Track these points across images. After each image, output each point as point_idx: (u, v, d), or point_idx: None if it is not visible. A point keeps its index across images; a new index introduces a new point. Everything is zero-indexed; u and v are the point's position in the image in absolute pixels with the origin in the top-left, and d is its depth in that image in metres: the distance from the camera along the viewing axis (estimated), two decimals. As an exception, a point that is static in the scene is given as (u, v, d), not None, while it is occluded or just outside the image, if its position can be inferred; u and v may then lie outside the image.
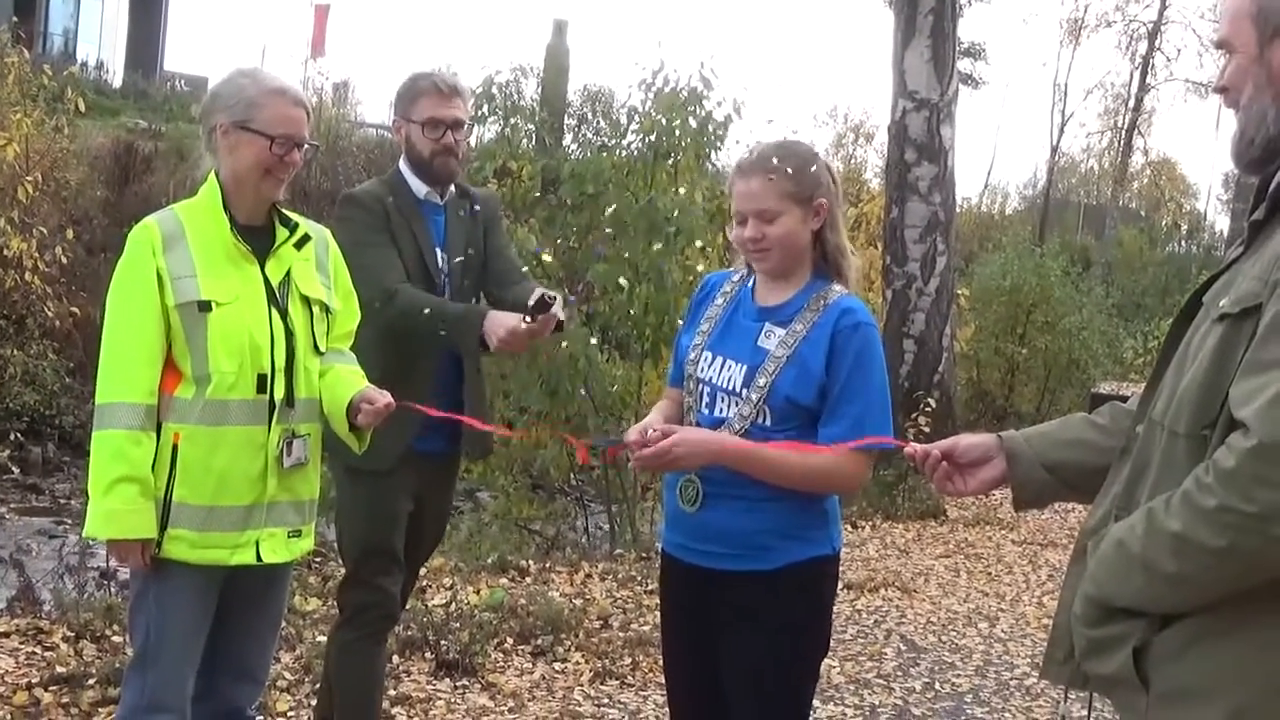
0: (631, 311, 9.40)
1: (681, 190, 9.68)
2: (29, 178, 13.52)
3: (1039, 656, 6.66)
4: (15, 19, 19.88)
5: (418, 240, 4.08)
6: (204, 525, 3.23)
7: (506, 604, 6.64)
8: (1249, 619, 1.88)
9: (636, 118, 9.93)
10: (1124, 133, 41.12)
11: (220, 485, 3.24)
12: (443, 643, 5.91)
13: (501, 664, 6.01)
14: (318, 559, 7.33)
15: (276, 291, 3.36)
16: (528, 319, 3.74)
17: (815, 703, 5.76)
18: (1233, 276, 2.02)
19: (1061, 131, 41.15)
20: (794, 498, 3.07)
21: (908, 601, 8.09)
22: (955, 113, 12.82)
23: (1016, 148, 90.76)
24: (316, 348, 3.43)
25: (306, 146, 3.40)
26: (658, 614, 6.93)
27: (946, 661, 6.86)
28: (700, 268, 9.61)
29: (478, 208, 4.30)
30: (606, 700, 5.74)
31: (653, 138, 9.66)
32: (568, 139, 13.49)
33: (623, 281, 8.86)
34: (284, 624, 3.66)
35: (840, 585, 8.05)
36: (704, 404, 3.19)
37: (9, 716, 4.69)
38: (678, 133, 9.58)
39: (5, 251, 13.15)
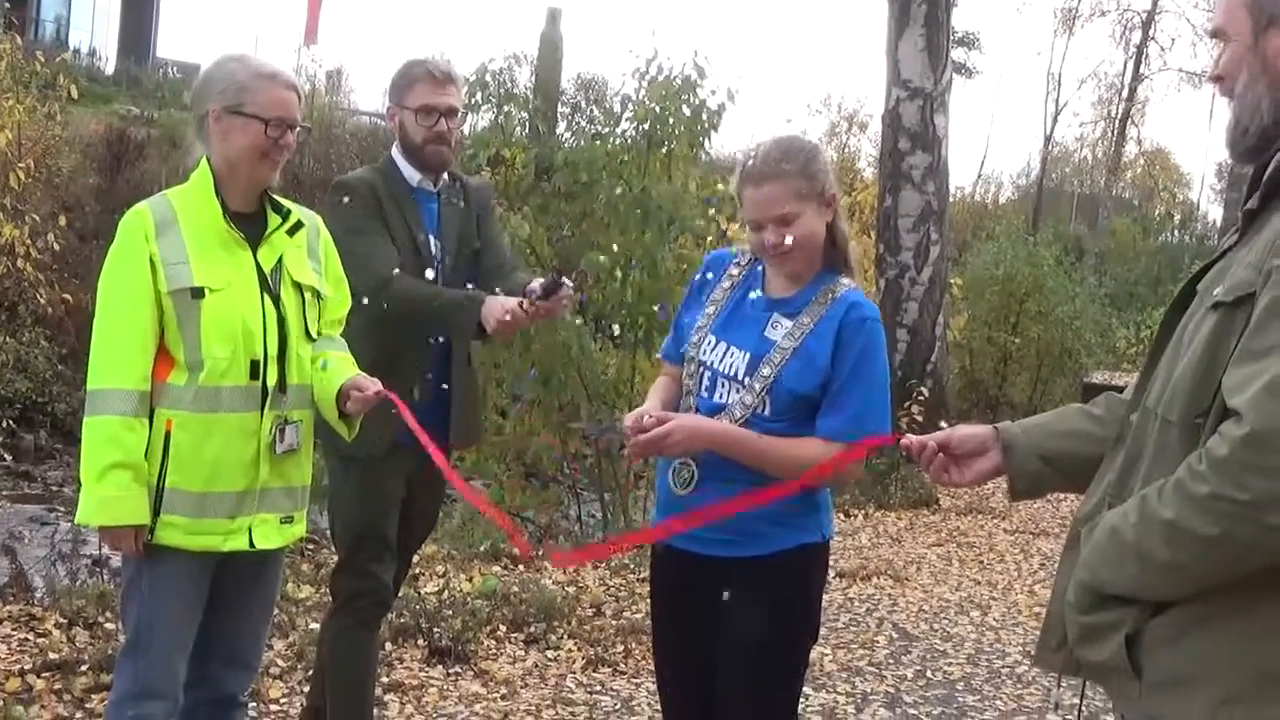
0: (625, 299, 9.40)
1: (675, 178, 9.67)
2: (21, 164, 13.49)
3: (1030, 644, 6.69)
4: (8, 5, 19.84)
5: (410, 227, 4.08)
6: (197, 511, 3.23)
7: (499, 592, 6.65)
8: (1241, 606, 1.88)
9: (630, 106, 9.92)
10: (1117, 122, 41.12)
11: (213, 472, 3.24)
12: (435, 630, 5.91)
13: (494, 651, 6.01)
14: (310, 546, 7.33)
15: (269, 278, 3.35)
16: (525, 302, 3.75)
17: (807, 690, 5.79)
18: (1227, 265, 2.02)
19: (1055, 121, 41.21)
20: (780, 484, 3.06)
21: (900, 590, 8.11)
22: (949, 102, 12.83)
23: (1010, 137, 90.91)
24: (309, 334, 3.42)
25: (299, 129, 3.39)
26: (650, 602, 6.96)
27: (938, 649, 6.87)
28: (702, 254, 9.61)
29: (471, 196, 4.30)
30: (599, 688, 5.75)
31: (646, 126, 9.65)
32: (561, 127, 13.45)
33: (604, 259, 8.84)
34: (277, 611, 3.66)
35: (832, 573, 8.10)
36: (704, 388, 3.18)
37: (2, 702, 4.69)
38: (671, 121, 9.57)
39: (-2, 239, 13.13)
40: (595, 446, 9.87)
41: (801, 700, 5.67)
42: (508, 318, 3.79)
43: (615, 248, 9.07)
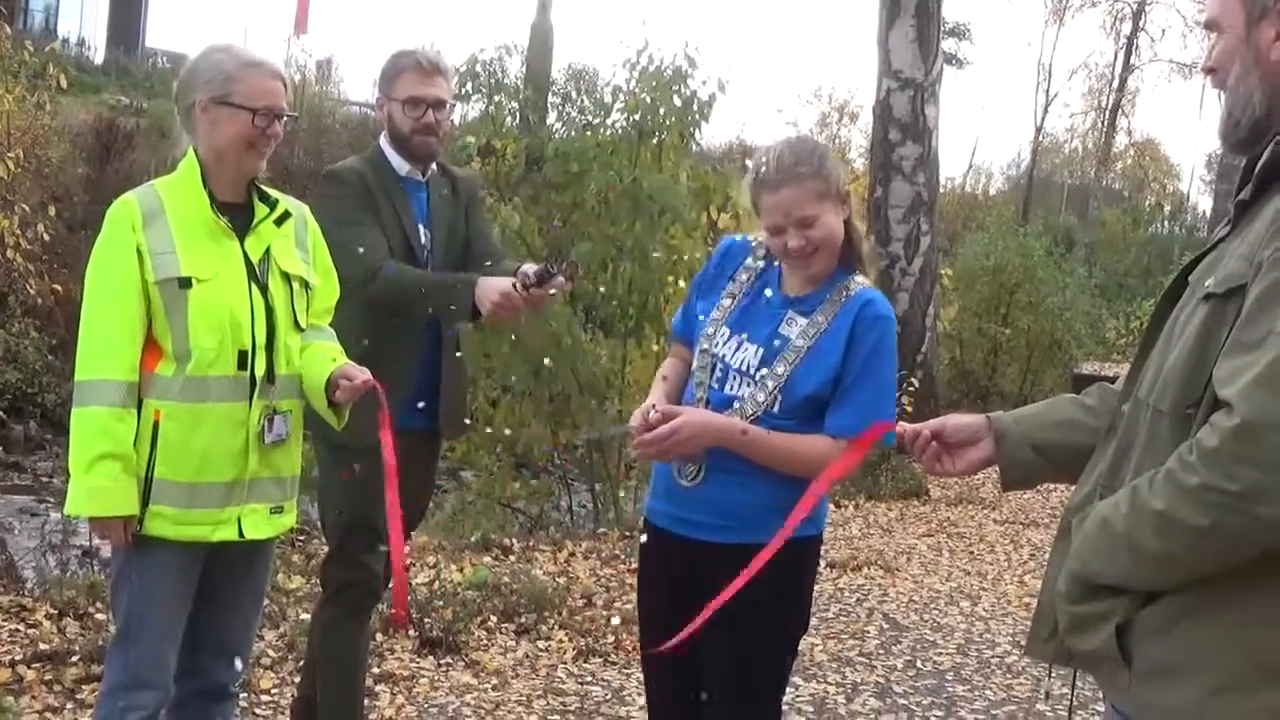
0: (616, 290, 9.40)
1: (666, 169, 9.68)
2: (10, 154, 13.41)
3: (1020, 635, 6.71)
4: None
5: (400, 217, 4.07)
6: (186, 502, 3.22)
7: (490, 582, 6.65)
8: (1232, 596, 1.89)
9: (621, 96, 9.92)
10: (1108, 113, 41.24)
11: (202, 462, 3.23)
12: (426, 621, 5.92)
13: (485, 642, 6.02)
14: (301, 537, 7.33)
15: (256, 268, 3.34)
16: (519, 285, 3.76)
17: (798, 680, 5.80)
18: (1219, 256, 2.02)
19: (1045, 112, 41.30)
20: (786, 476, 3.07)
21: (890, 580, 8.13)
22: (939, 92, 12.83)
23: (1000, 128, 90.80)
24: (297, 324, 3.42)
25: (286, 118, 3.39)
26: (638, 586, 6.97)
27: (928, 640, 6.89)
28: (694, 249, 9.62)
29: (459, 187, 4.29)
30: (590, 678, 5.75)
31: (637, 116, 9.64)
32: (552, 117, 13.44)
33: (594, 249, 8.85)
34: (267, 602, 3.66)
35: (823, 564, 8.11)
36: (715, 379, 3.17)
37: (-8, 693, 4.68)
38: (662, 111, 9.57)
39: (-14, 229, 13.08)
40: (587, 438, 9.87)
41: (792, 690, 5.69)
42: (502, 299, 3.79)
43: (610, 233, 9.08)
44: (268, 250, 3.38)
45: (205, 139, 3.33)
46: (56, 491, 10.93)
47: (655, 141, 9.79)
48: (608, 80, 10.60)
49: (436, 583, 6.45)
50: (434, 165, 4.20)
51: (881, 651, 6.58)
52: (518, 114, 11.10)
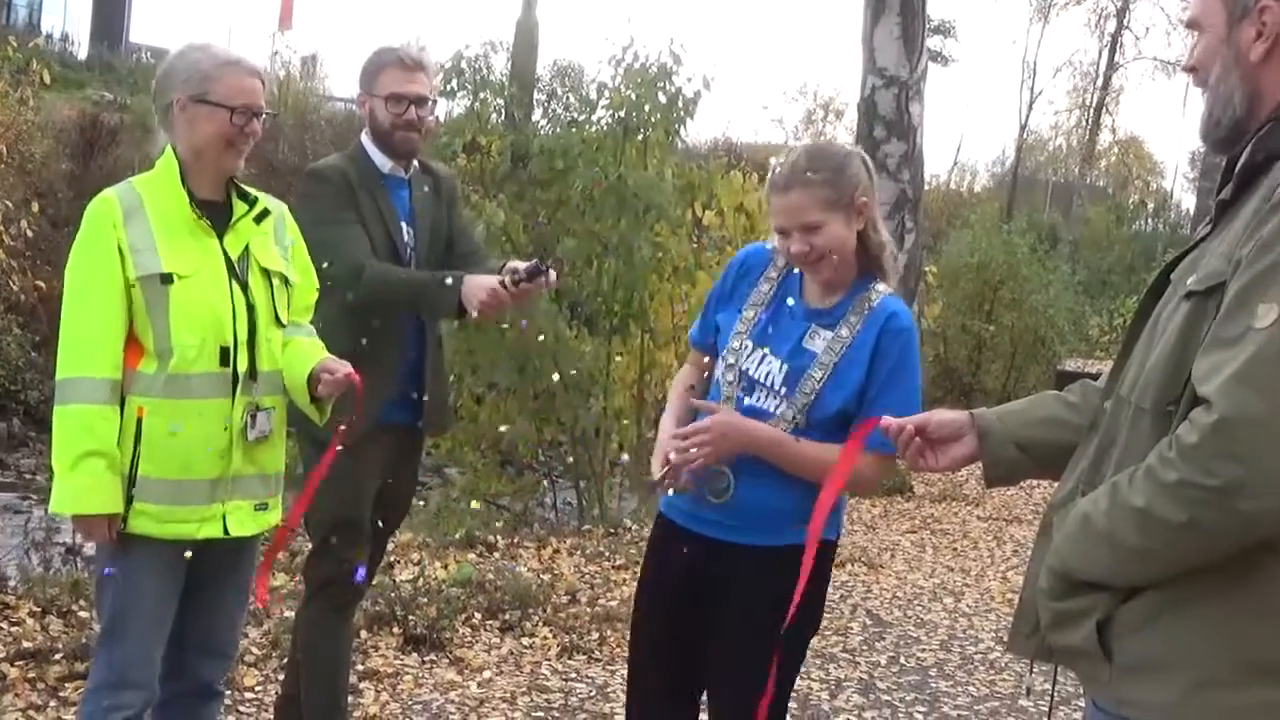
0: (601, 286, 9.41)
1: (651, 166, 9.68)
2: (-7, 150, 13.40)
3: (1003, 631, 6.73)
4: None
5: (383, 215, 4.06)
6: (170, 499, 3.22)
7: (474, 579, 6.65)
8: (1212, 592, 1.90)
9: (606, 93, 9.91)
10: (1092, 111, 41.35)
11: (185, 459, 3.22)
12: (410, 617, 5.91)
13: (469, 639, 6.02)
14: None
15: (236, 265, 3.34)
16: (506, 280, 3.77)
17: (782, 677, 5.81)
18: (1200, 254, 2.03)
19: (1030, 109, 41.42)
20: (809, 483, 3.05)
21: (874, 576, 8.14)
22: (924, 90, 12.83)
23: (985, 125, 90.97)
24: (278, 320, 3.42)
25: (264, 116, 3.38)
26: (625, 589, 6.98)
27: (912, 636, 6.91)
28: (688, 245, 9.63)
29: (440, 184, 4.29)
30: (574, 674, 5.76)
31: (622, 113, 9.64)
32: (537, 114, 13.44)
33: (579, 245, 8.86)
34: (251, 599, 3.65)
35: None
36: (739, 392, 3.17)
37: (-26, 691, 4.68)
38: (647, 108, 9.57)
39: (-31, 225, 13.04)
40: (572, 435, 9.89)
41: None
42: (489, 298, 3.79)
43: (594, 229, 9.09)
44: (247, 247, 3.38)
45: (184, 138, 3.33)
46: (39, 489, 10.90)
47: (640, 138, 9.78)
48: (593, 77, 10.61)
49: (421, 579, 6.45)
50: (415, 163, 4.20)
51: (865, 648, 6.60)
52: (503, 111, 11.09)
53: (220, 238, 3.33)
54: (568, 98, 11.58)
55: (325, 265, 3.82)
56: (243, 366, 3.29)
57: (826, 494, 2.93)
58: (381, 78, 4.07)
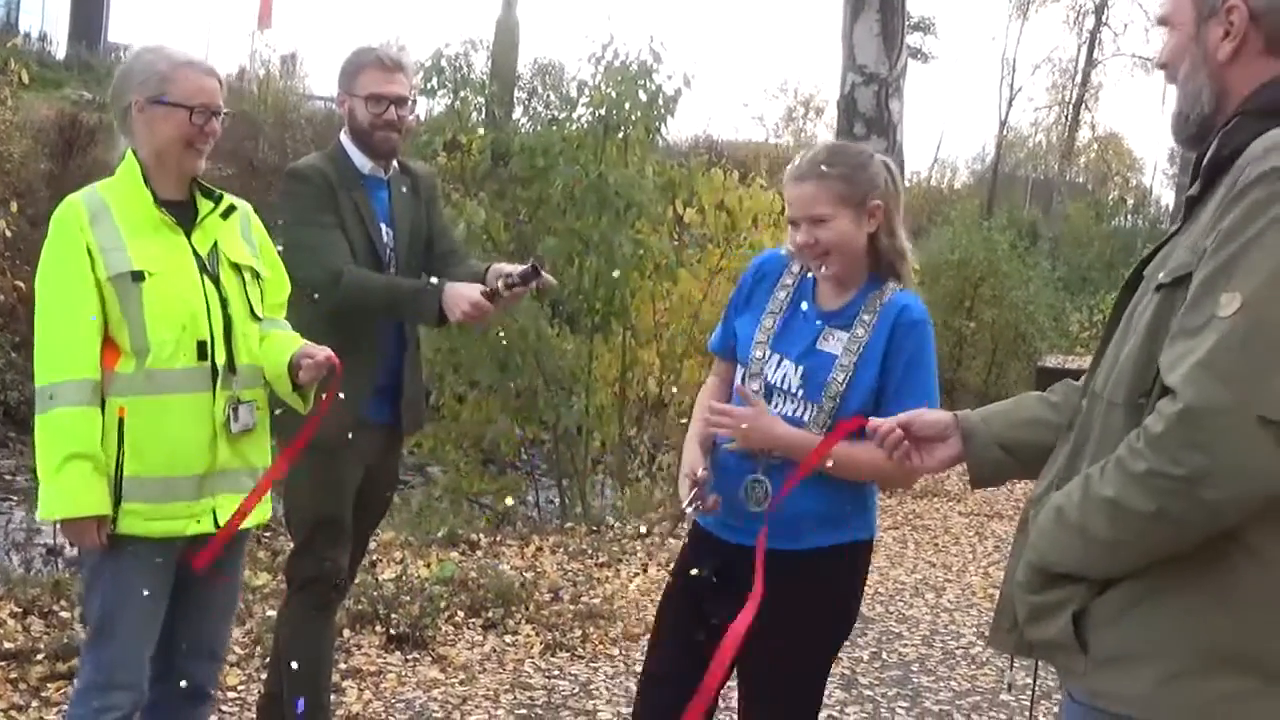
0: (583, 284, 9.41)
1: (631, 164, 9.69)
2: (-29, 150, 13.34)
3: (985, 626, 6.76)
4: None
5: (363, 216, 4.07)
6: (158, 497, 3.21)
7: (457, 577, 6.66)
8: (1182, 585, 1.92)
9: (586, 91, 9.92)
10: (1071, 107, 41.43)
11: (171, 455, 3.22)
12: (393, 616, 5.92)
13: (452, 637, 6.03)
14: (267, 534, 7.31)
15: (206, 260, 3.35)
16: (499, 285, 3.81)
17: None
18: (1171, 249, 2.05)
19: (1010, 106, 41.47)
20: (838, 485, 3.10)
21: (856, 572, 8.15)
22: (904, 87, 12.86)
23: (965, 122, 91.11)
24: (253, 314, 3.42)
25: (223, 115, 3.39)
26: (608, 586, 7.00)
27: (894, 631, 6.93)
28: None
29: (419, 184, 4.30)
30: (557, 672, 5.77)
31: (603, 111, 9.65)
32: (518, 112, 13.45)
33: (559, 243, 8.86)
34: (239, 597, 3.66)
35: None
36: (760, 398, 3.19)
37: (-45, 693, 4.66)
38: (628, 106, 9.57)
39: (-52, 225, 12.98)
40: (554, 433, 9.89)
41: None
42: (471, 310, 3.81)
43: (576, 228, 9.09)
44: (215, 243, 3.39)
45: (144, 140, 3.33)
46: (19, 490, 10.87)
47: (621, 136, 9.79)
48: (573, 75, 10.64)
49: (403, 578, 6.45)
50: (395, 163, 4.21)
51: (847, 643, 6.58)
52: (483, 109, 11.09)
53: (188, 235, 3.34)
54: (548, 96, 11.60)
55: (303, 270, 3.83)
56: (221, 360, 3.29)
57: (801, 471, 2.98)
58: (361, 78, 4.07)
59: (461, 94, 10.16)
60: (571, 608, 6.59)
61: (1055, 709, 4.80)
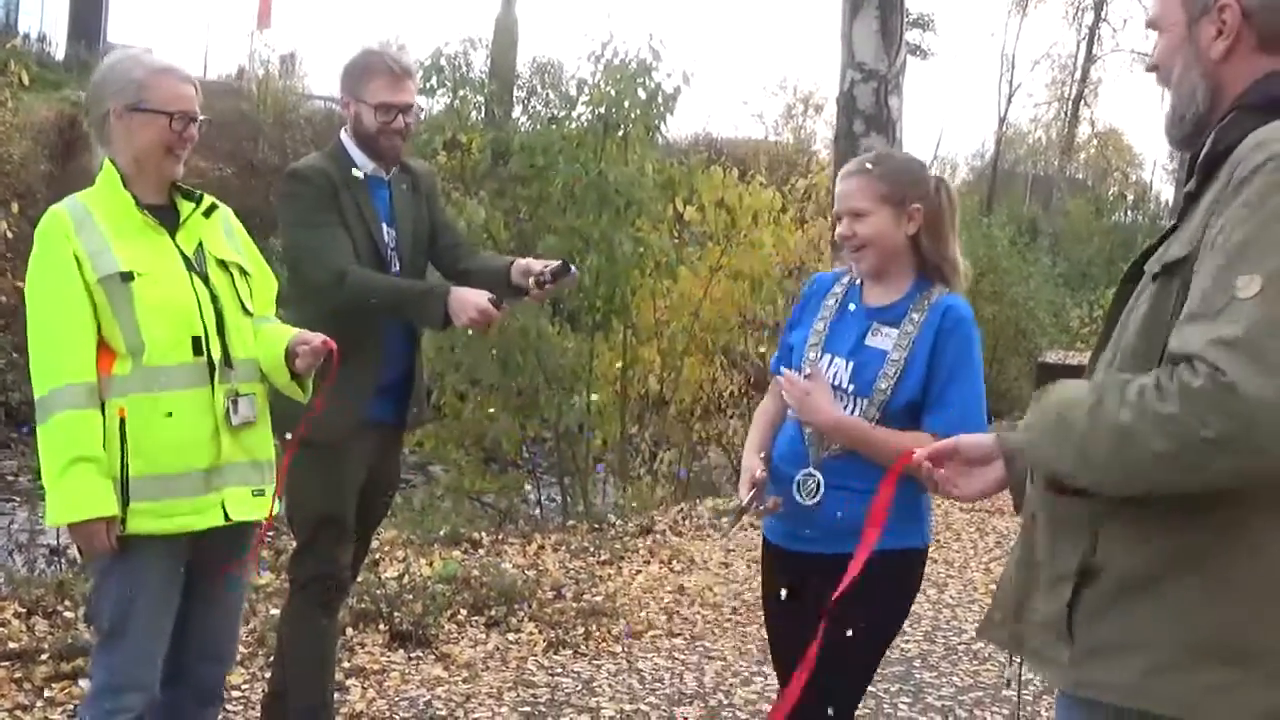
0: (583, 283, 9.42)
1: (631, 162, 9.70)
2: (-29, 152, 13.36)
3: (986, 621, 6.77)
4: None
5: (365, 216, 4.06)
6: (166, 494, 3.22)
7: (459, 575, 6.66)
8: (1169, 578, 1.93)
9: (586, 90, 9.94)
10: (1071, 103, 41.43)
11: (175, 451, 3.23)
12: (396, 614, 5.93)
13: (455, 635, 6.04)
14: (270, 533, 7.32)
15: (192, 259, 3.36)
16: (530, 284, 3.94)
17: (766, 670, 5.85)
18: (1169, 244, 2.07)
19: (1009, 102, 41.48)
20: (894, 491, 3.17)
21: (858, 569, 8.15)
22: (903, 84, 12.86)
23: (965, 119, 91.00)
24: (245, 309, 3.43)
25: (200, 121, 3.40)
26: (610, 584, 7.01)
27: (896, 627, 6.93)
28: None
29: (419, 182, 4.30)
30: (560, 670, 5.78)
31: (602, 110, 9.67)
32: (517, 111, 13.45)
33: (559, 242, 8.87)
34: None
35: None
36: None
37: (-40, 693, 4.68)
38: (627, 104, 9.59)
39: (-51, 227, 13.00)
40: (555, 431, 9.91)
41: (761, 680, 5.74)
42: (479, 316, 3.81)
43: (576, 226, 9.10)
44: (200, 243, 3.41)
45: (123, 147, 3.34)
46: (22, 490, 10.87)
47: (620, 135, 9.82)
48: (572, 74, 10.66)
49: (406, 577, 6.46)
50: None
51: (849, 640, 6.61)
52: (483, 108, 11.10)
53: (172, 236, 3.35)
54: (548, 94, 11.60)
55: (307, 270, 3.84)
56: (216, 354, 3.30)
57: (869, 531, 2.95)
58: (370, 84, 4.04)
59: (461, 93, 10.18)
60: (574, 605, 6.60)
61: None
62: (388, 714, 5.08)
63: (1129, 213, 41.04)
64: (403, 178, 4.23)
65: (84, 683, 4.63)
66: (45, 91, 21.99)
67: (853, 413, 3.25)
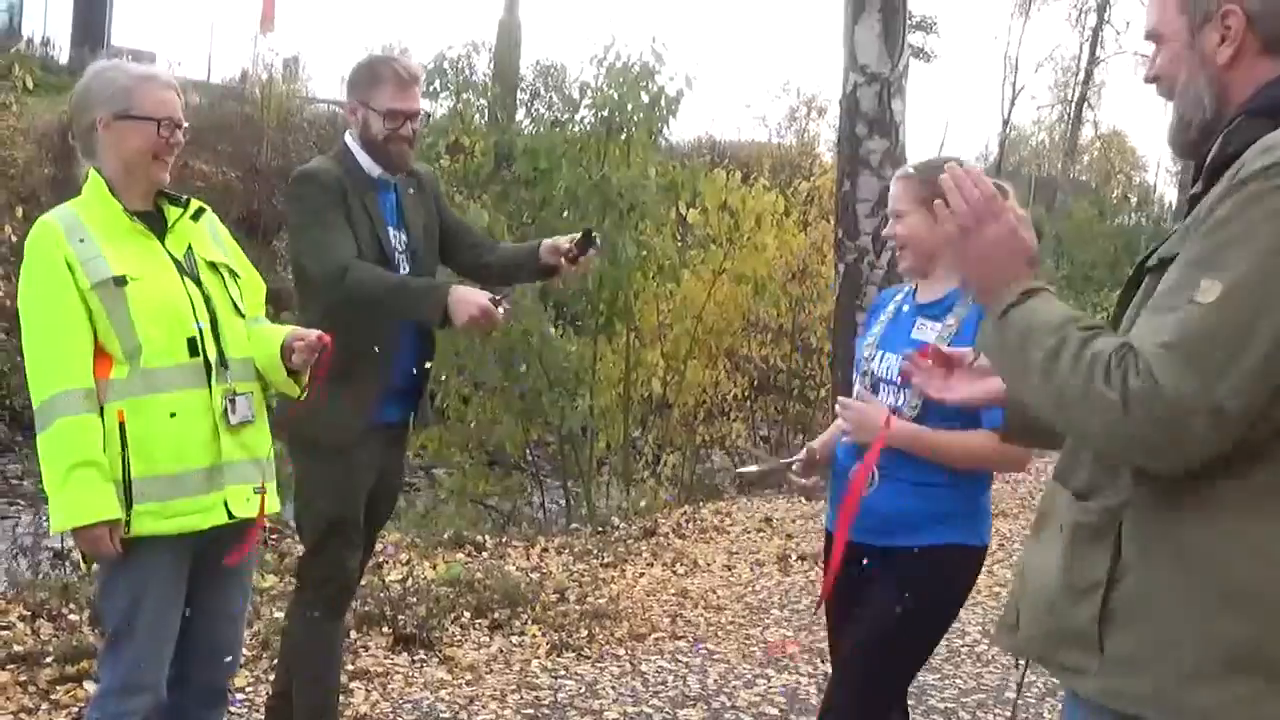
0: (586, 286, 9.43)
1: (634, 165, 9.71)
2: (-24, 156, 13.38)
3: (989, 623, 6.77)
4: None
5: (372, 219, 4.06)
6: (169, 494, 3.23)
7: (463, 579, 6.67)
8: (1201, 586, 1.93)
9: (589, 93, 9.95)
10: (1074, 105, 41.42)
11: (175, 451, 3.24)
12: (400, 617, 5.94)
13: (459, 637, 6.04)
14: (274, 536, 7.34)
15: (183, 262, 3.38)
16: (562, 261, 4.03)
17: (770, 671, 5.86)
18: (1170, 246, 2.07)
19: (1012, 104, 41.48)
20: (949, 485, 3.35)
21: (861, 572, 8.16)
22: (906, 86, 12.86)
23: (968, 121, 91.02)
24: (237, 309, 3.45)
25: (184, 128, 3.42)
26: (613, 587, 7.02)
27: (899, 630, 6.92)
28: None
29: (425, 184, 4.31)
30: (563, 672, 5.79)
31: (605, 113, 9.68)
32: (520, 114, 13.45)
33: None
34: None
35: (794, 556, 8.16)
36: (867, 391, 3.53)
37: (-34, 696, 4.69)
38: (630, 108, 9.60)
39: (-46, 231, 13.02)
40: (559, 434, 9.91)
41: (764, 683, 5.75)
42: (479, 315, 3.80)
43: (579, 227, 9.12)
44: (189, 246, 3.43)
45: (110, 156, 3.36)
46: (26, 494, 10.89)
47: (623, 138, 9.82)
48: (576, 77, 10.65)
49: (410, 580, 6.47)
50: (399, 166, 4.22)
51: (853, 642, 6.62)
52: (486, 111, 11.12)
53: (161, 241, 3.37)
54: (551, 98, 11.59)
55: (310, 265, 3.85)
56: (212, 354, 3.32)
57: (848, 502, 3.25)
58: (379, 91, 4.03)
59: (464, 96, 10.20)
60: (577, 608, 6.61)
61: (1060, 706, 4.81)
62: (391, 717, 5.08)
63: (1133, 215, 40.97)
64: (409, 181, 4.23)
65: (89, 685, 4.64)
66: (49, 96, 21.98)
67: (900, 403, 3.38)
